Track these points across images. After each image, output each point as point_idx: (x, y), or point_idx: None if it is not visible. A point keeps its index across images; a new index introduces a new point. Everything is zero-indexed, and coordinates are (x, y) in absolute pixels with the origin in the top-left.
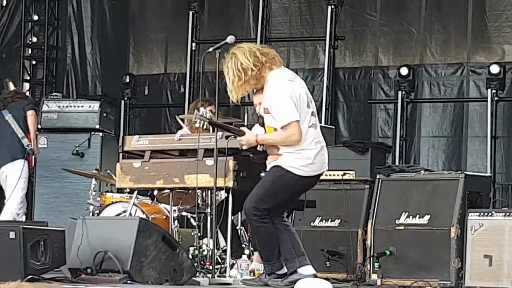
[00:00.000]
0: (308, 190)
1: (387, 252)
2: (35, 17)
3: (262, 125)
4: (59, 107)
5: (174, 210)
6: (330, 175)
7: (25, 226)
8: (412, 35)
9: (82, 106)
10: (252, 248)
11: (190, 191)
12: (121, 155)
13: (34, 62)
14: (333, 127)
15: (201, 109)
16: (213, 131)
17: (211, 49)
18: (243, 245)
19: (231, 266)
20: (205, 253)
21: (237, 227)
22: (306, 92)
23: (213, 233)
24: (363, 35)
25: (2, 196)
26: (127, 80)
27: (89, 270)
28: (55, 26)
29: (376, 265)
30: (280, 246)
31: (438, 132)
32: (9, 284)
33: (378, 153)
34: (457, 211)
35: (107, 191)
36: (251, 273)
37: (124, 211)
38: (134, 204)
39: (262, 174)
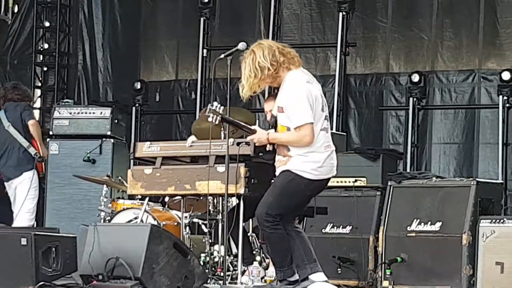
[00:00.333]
0: (318, 194)
1: (399, 259)
2: (47, 24)
3: (274, 126)
4: (70, 113)
5: (186, 217)
6: (341, 181)
7: (36, 233)
8: (424, 42)
9: (93, 113)
10: (263, 255)
11: (201, 198)
12: (132, 161)
13: (45, 69)
14: (345, 133)
15: (215, 103)
16: (223, 129)
17: (222, 55)
18: (255, 252)
19: (243, 273)
20: (216, 259)
21: (249, 234)
22: (322, 96)
23: (224, 240)
24: (375, 41)
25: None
26: (138, 87)
27: (100, 277)
28: (66, 33)
29: (388, 272)
30: (292, 252)
31: (450, 138)
32: None
33: (389, 160)
34: (468, 218)
35: (119, 198)
36: (263, 280)
37: (136, 218)
38: (145, 210)
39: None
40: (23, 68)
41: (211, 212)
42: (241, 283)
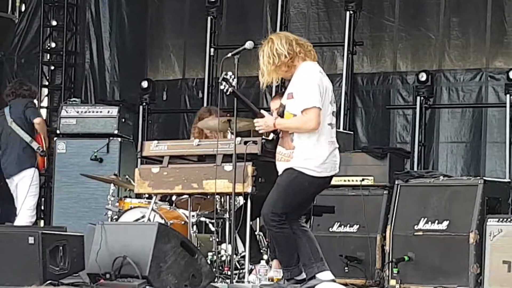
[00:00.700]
0: (322, 191)
1: (406, 258)
2: (54, 23)
3: (281, 115)
4: (77, 112)
5: (193, 216)
6: (348, 180)
7: (44, 232)
8: (431, 41)
9: (100, 112)
10: (270, 254)
11: (208, 197)
12: (139, 160)
13: (52, 68)
14: (352, 132)
15: (229, 73)
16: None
17: (229, 54)
18: (262, 251)
19: (250, 272)
20: (223, 258)
21: (256, 233)
22: (332, 91)
23: (231, 239)
24: (382, 40)
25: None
26: (145, 86)
27: (108, 276)
28: (73, 32)
29: (395, 270)
30: (299, 251)
31: (457, 137)
32: None
33: (396, 158)
34: (476, 217)
35: (126, 197)
36: (270, 279)
37: (143, 217)
38: (152, 209)
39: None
40: (30, 67)
41: (218, 211)
42: (248, 282)
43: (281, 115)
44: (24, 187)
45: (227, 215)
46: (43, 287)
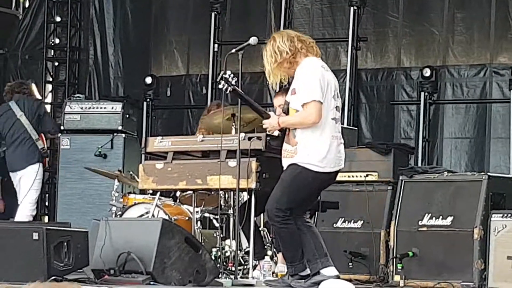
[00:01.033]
0: (327, 187)
1: (410, 254)
2: (58, 19)
3: (286, 112)
4: (81, 108)
5: (197, 212)
6: (352, 176)
7: (48, 227)
8: (435, 36)
9: (104, 108)
10: (275, 250)
11: (212, 192)
12: (143, 156)
13: (56, 64)
14: (356, 128)
15: (228, 72)
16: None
17: (233, 50)
18: (266, 246)
19: (254, 267)
20: (227, 254)
21: (260, 228)
22: (336, 85)
23: (235, 234)
24: (385, 36)
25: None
26: (149, 82)
27: (112, 271)
28: (77, 28)
29: (399, 266)
30: (303, 247)
31: (461, 133)
32: (29, 285)
33: (401, 154)
34: (480, 213)
35: (130, 192)
36: (274, 274)
37: (147, 213)
38: (156, 205)
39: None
40: (34, 63)
41: (223, 206)
42: (253, 278)
43: (286, 111)
44: (28, 181)
45: (231, 211)
46: (47, 283)
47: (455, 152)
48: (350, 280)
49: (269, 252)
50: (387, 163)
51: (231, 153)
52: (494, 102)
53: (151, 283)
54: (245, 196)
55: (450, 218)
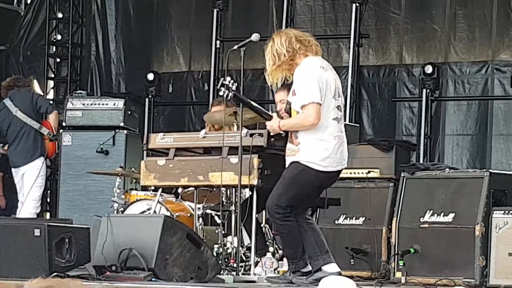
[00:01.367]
0: (328, 186)
1: (412, 250)
2: (60, 15)
3: (288, 113)
4: (83, 104)
5: (199, 208)
6: (354, 173)
7: (50, 224)
8: (437, 33)
9: (106, 104)
10: (277, 246)
11: (214, 189)
12: (145, 153)
13: (58, 60)
14: (358, 125)
15: (228, 78)
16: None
17: (235, 46)
18: (268, 243)
19: (256, 264)
20: (229, 250)
21: (262, 225)
22: (337, 85)
23: (237, 231)
24: (387, 33)
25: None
26: (151, 78)
27: (113, 268)
28: (79, 24)
29: (401, 263)
30: (304, 244)
31: (463, 130)
32: (31, 281)
33: (402, 151)
34: (481, 209)
35: (132, 189)
36: (276, 271)
37: (149, 209)
38: (158, 202)
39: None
40: (36, 59)
41: (224, 203)
42: (254, 274)
43: (288, 111)
44: (31, 177)
45: (233, 208)
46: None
47: (456, 149)
48: (351, 277)
49: (271, 249)
50: (389, 159)
51: (233, 150)
52: (495, 99)
53: (153, 279)
54: (247, 192)
55: (451, 215)
